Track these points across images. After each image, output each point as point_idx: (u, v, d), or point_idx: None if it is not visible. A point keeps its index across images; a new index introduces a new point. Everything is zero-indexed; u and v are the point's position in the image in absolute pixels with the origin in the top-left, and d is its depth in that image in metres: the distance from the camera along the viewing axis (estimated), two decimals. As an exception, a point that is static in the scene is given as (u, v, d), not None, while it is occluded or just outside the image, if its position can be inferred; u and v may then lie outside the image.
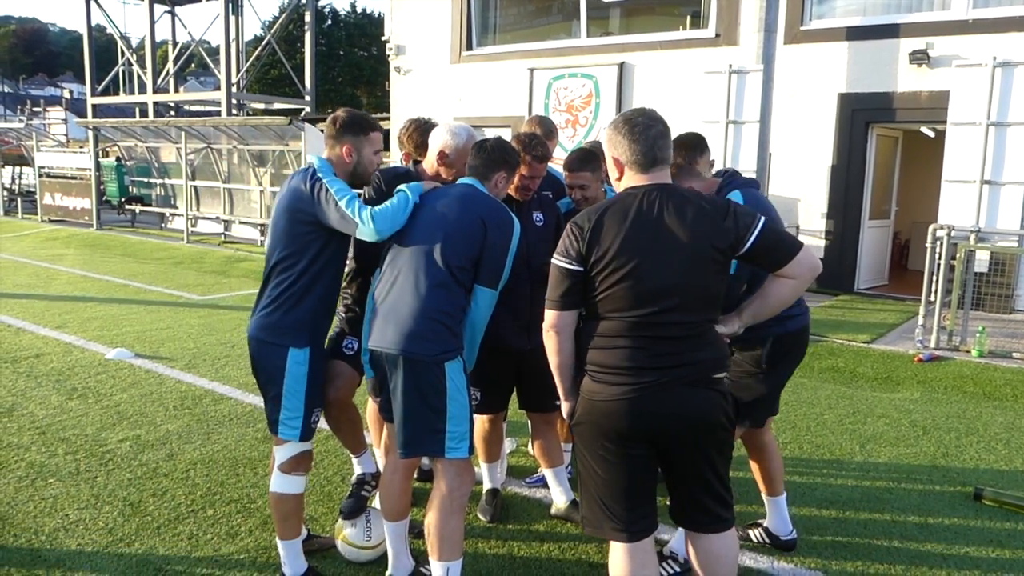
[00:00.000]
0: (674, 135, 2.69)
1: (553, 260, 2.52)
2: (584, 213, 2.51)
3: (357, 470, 3.78)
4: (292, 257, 2.99)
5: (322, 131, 3.22)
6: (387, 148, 18.58)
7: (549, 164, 4.22)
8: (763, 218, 2.47)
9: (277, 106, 23.45)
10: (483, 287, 2.93)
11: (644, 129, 2.47)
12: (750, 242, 2.43)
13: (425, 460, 3.77)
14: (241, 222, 15.59)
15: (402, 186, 3.03)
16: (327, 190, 2.92)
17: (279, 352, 3.00)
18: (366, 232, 2.87)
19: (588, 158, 3.67)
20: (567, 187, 3.75)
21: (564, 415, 2.65)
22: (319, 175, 2.98)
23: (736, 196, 3.13)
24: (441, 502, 2.86)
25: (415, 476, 4.06)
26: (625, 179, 2.53)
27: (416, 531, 3.42)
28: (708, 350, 2.45)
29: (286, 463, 3.08)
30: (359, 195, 3.02)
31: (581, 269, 2.45)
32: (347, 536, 3.36)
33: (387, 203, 2.92)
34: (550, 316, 2.53)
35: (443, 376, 2.81)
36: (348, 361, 3.44)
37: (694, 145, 3.34)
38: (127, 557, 3.35)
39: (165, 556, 3.37)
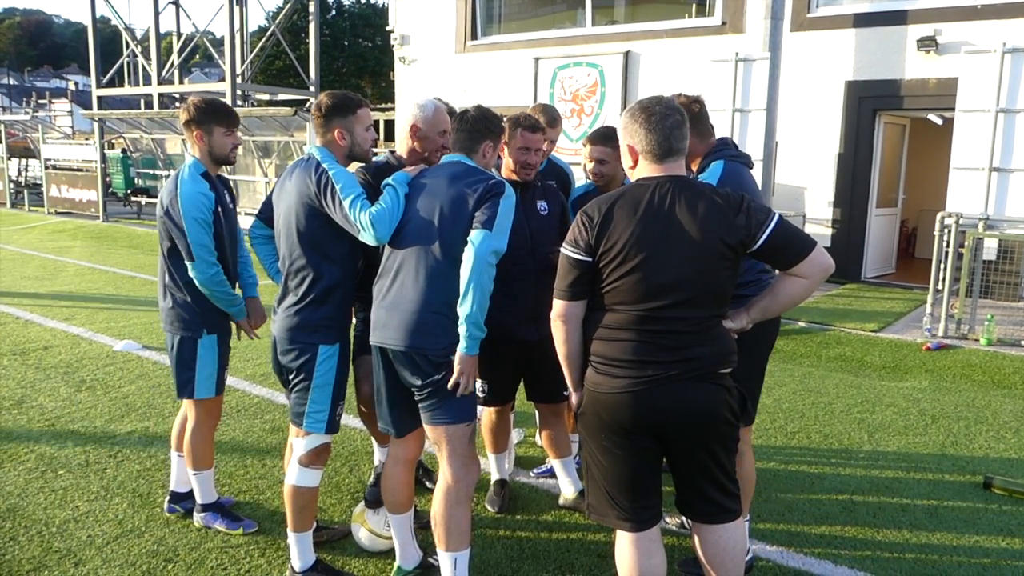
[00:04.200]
0: None
1: (562, 249, 2.50)
2: (594, 203, 2.48)
3: (381, 459, 3.79)
4: (314, 253, 2.97)
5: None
6: (392, 138, 18.55)
7: (553, 153, 4.22)
8: (777, 215, 2.43)
9: (282, 97, 23.37)
10: (478, 228, 2.72)
11: (661, 119, 2.43)
12: (762, 239, 2.39)
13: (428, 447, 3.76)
14: (246, 213, 15.56)
15: (388, 180, 2.96)
16: (333, 187, 2.87)
17: (309, 350, 2.99)
18: (367, 238, 2.84)
19: (609, 134, 3.65)
20: (588, 160, 3.73)
21: (572, 406, 2.64)
22: (324, 166, 2.93)
23: (716, 166, 3.06)
24: (447, 493, 2.86)
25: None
26: (639, 168, 2.51)
27: (424, 522, 3.42)
28: (714, 345, 2.43)
29: (305, 455, 3.08)
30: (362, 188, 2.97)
31: (590, 260, 2.43)
32: (369, 524, 3.37)
33: (381, 204, 2.85)
34: (558, 306, 2.51)
35: (451, 367, 2.80)
36: None
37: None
38: (137, 547, 3.37)
39: (175, 547, 3.39)
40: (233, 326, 3.61)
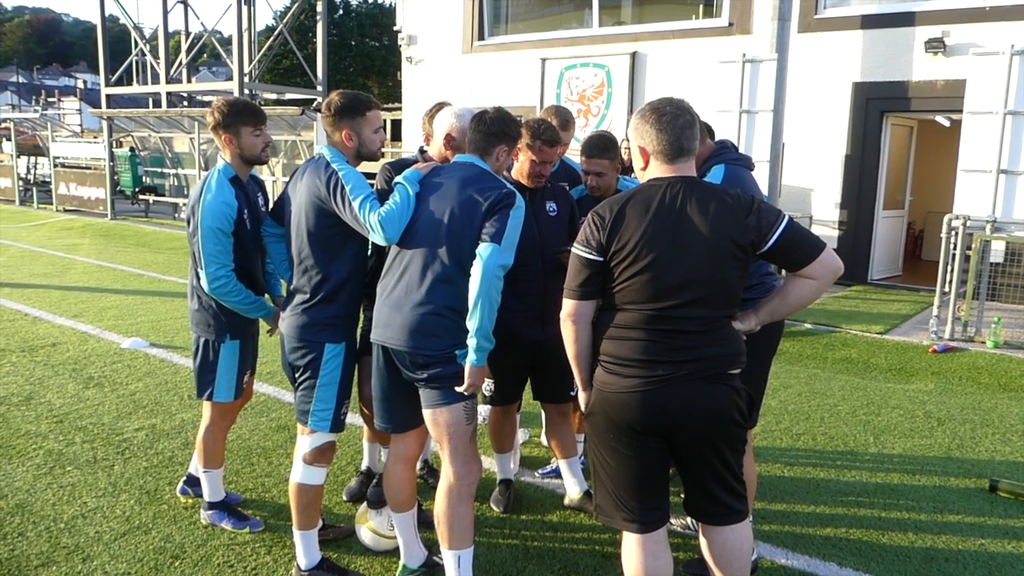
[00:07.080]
0: None
1: (573, 249, 2.50)
2: (606, 203, 2.49)
3: (369, 461, 3.80)
4: (323, 253, 2.98)
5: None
6: (398, 138, 18.56)
7: (566, 155, 4.22)
8: (787, 217, 2.44)
9: (289, 96, 23.45)
10: (487, 242, 2.73)
11: (672, 119, 2.44)
12: (772, 240, 2.40)
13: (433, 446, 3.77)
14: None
15: (398, 178, 2.96)
16: (343, 187, 2.88)
17: (315, 348, 3.01)
18: (377, 238, 2.85)
19: (607, 145, 3.65)
20: (583, 172, 3.75)
21: (581, 405, 2.64)
22: (333, 166, 2.94)
23: (718, 170, 3.09)
24: (449, 490, 2.87)
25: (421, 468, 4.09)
26: (650, 169, 2.51)
27: (428, 521, 3.44)
28: (723, 345, 2.43)
29: (310, 453, 3.09)
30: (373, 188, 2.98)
31: (601, 259, 2.43)
32: (371, 524, 3.37)
33: (390, 204, 2.85)
34: (568, 305, 2.52)
35: (450, 361, 2.81)
36: None
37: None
38: (144, 544, 3.39)
39: (181, 544, 3.41)
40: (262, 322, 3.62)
